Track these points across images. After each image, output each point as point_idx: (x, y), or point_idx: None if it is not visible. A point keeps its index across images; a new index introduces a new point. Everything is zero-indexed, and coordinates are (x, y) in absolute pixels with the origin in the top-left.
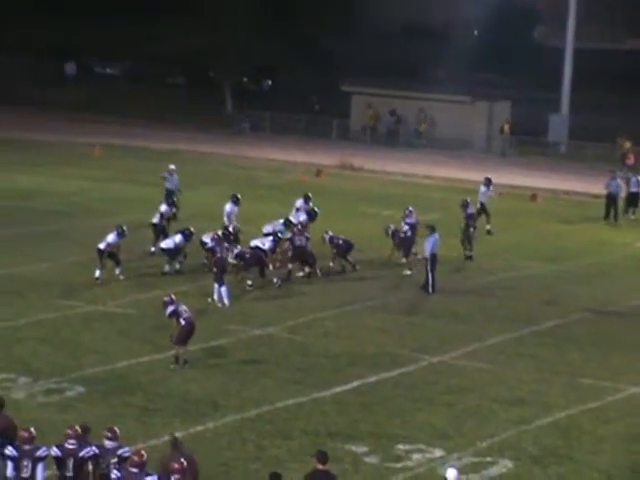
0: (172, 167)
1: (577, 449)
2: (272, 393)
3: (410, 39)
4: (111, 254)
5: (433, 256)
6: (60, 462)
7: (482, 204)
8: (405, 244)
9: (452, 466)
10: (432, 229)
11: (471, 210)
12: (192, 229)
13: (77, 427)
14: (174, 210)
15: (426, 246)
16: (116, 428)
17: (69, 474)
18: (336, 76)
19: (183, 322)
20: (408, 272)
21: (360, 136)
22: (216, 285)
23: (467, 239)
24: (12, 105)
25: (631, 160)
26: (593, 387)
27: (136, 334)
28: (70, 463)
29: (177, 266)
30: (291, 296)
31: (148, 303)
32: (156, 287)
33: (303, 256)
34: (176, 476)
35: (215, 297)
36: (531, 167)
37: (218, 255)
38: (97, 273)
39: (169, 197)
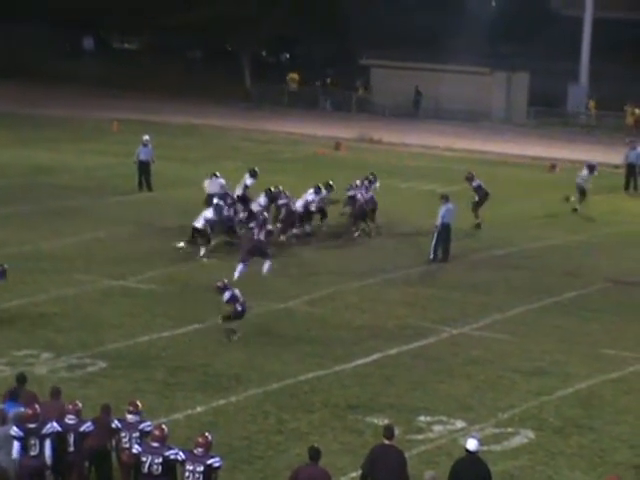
0: (146, 137)
1: (598, 419)
2: (293, 366)
3: (428, 10)
4: (202, 232)
5: (444, 225)
6: (61, 437)
7: (581, 187)
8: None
9: (473, 437)
10: (446, 199)
11: (476, 183)
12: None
13: (77, 402)
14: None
15: (439, 215)
16: (138, 402)
17: (70, 449)
18: (354, 48)
19: (240, 308)
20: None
21: (379, 109)
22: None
23: (475, 208)
24: (28, 78)
25: None
26: (614, 357)
27: (157, 309)
28: (71, 439)
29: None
30: (309, 269)
31: (168, 278)
32: (176, 262)
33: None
34: (200, 449)
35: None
36: (550, 138)
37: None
38: (202, 251)
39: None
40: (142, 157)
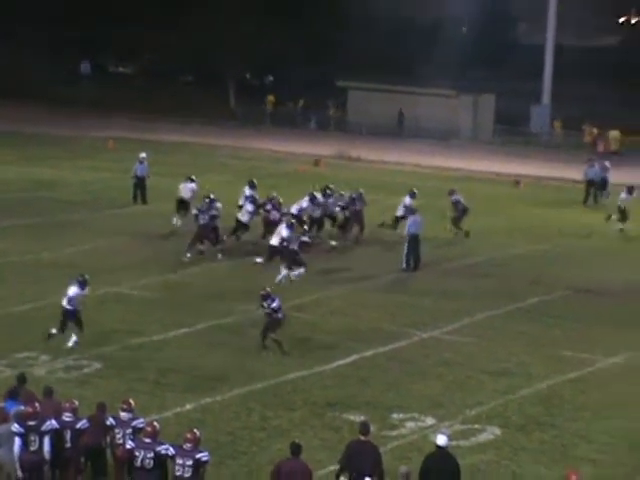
0: (143, 155)
1: (558, 417)
2: (276, 367)
3: (404, 36)
4: (282, 252)
5: (412, 236)
6: (58, 434)
7: (621, 208)
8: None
9: (443, 433)
10: (412, 211)
11: (455, 198)
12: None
13: (74, 401)
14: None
15: (406, 226)
16: (131, 401)
17: (67, 445)
18: (334, 72)
19: (280, 315)
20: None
21: (356, 128)
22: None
23: (455, 222)
24: (30, 100)
25: (601, 147)
26: (573, 359)
27: (149, 314)
28: (68, 435)
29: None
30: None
31: (160, 285)
32: (167, 270)
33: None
34: (188, 444)
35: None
36: (514, 155)
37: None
38: (281, 273)
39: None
40: (138, 173)
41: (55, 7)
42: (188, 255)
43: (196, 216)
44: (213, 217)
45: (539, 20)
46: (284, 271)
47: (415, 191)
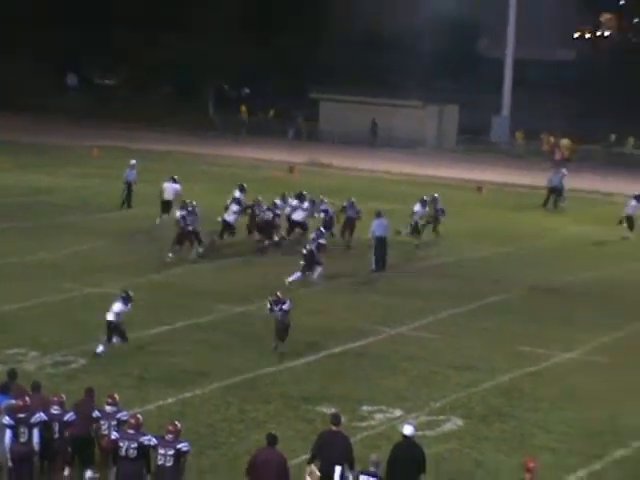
0: (133, 162)
1: (518, 408)
2: (253, 363)
3: (373, 50)
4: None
5: (379, 238)
6: (47, 426)
7: (629, 216)
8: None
9: (409, 424)
10: (378, 214)
11: (438, 205)
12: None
13: (62, 395)
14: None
15: (372, 229)
16: (116, 395)
17: (56, 437)
18: (306, 83)
19: (285, 321)
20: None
21: (328, 137)
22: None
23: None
24: (21, 110)
25: (558, 155)
26: (532, 354)
27: (132, 313)
28: (56, 427)
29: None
30: (270, 275)
31: (142, 286)
32: (152, 271)
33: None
34: (170, 436)
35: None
36: (476, 162)
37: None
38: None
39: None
40: (128, 178)
41: (42, 22)
42: (170, 255)
43: (181, 220)
44: (194, 221)
45: (500, 35)
46: (298, 274)
47: (426, 199)
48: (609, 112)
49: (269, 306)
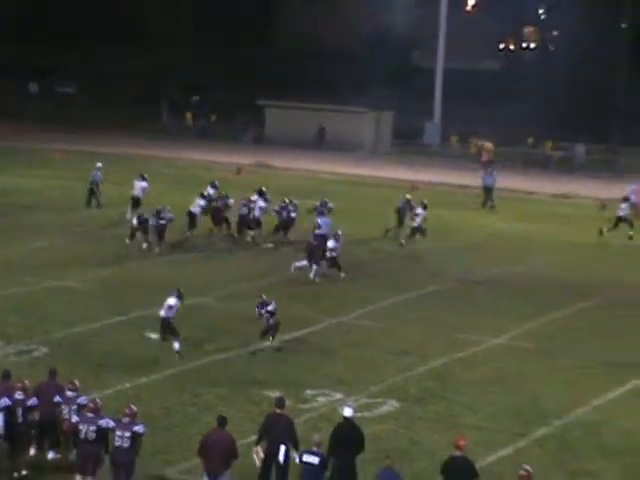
0: (99, 164)
1: (450, 391)
2: (205, 350)
3: (319, 61)
4: (332, 259)
5: (321, 235)
6: (10, 411)
7: (621, 217)
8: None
9: (349, 406)
10: (321, 213)
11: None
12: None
13: (25, 381)
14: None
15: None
16: (76, 381)
17: (19, 420)
18: (254, 91)
19: (272, 321)
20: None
21: (273, 141)
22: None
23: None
24: None
25: (485, 157)
26: (463, 340)
27: (90, 305)
28: (19, 412)
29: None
30: (219, 269)
31: (100, 279)
32: (111, 265)
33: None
34: (127, 418)
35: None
36: (410, 164)
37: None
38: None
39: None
40: (95, 179)
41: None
42: (157, 250)
43: (145, 220)
44: (161, 219)
45: (432, 47)
46: (315, 266)
47: (426, 202)
48: (529, 118)
49: (256, 309)
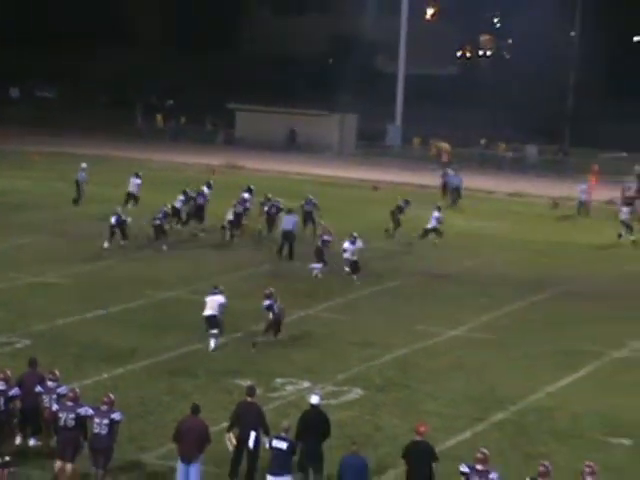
0: (84, 165)
1: (412, 379)
2: (180, 342)
3: (284, 67)
4: (346, 260)
5: (286, 232)
6: None
7: (622, 221)
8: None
9: (316, 394)
10: (288, 211)
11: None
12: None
13: (7, 372)
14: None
15: (282, 224)
16: (56, 371)
17: (2, 409)
18: (225, 96)
19: (272, 316)
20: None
21: (243, 143)
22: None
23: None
24: None
25: (445, 158)
26: (424, 332)
27: (70, 299)
28: (1, 401)
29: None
30: (191, 264)
31: (80, 275)
32: (91, 262)
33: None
34: (105, 407)
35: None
36: (373, 165)
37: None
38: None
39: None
40: (79, 179)
41: None
42: (164, 247)
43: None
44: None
45: (394, 53)
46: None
47: (440, 205)
48: (485, 121)
49: (267, 304)
